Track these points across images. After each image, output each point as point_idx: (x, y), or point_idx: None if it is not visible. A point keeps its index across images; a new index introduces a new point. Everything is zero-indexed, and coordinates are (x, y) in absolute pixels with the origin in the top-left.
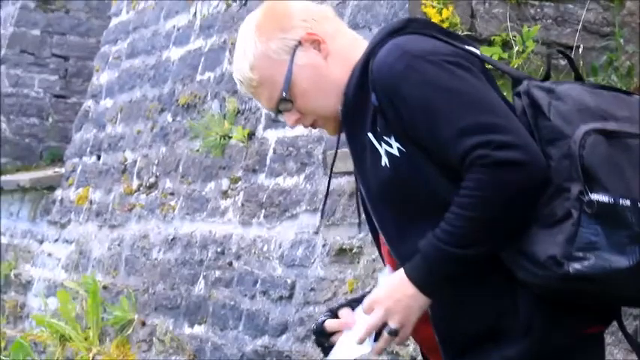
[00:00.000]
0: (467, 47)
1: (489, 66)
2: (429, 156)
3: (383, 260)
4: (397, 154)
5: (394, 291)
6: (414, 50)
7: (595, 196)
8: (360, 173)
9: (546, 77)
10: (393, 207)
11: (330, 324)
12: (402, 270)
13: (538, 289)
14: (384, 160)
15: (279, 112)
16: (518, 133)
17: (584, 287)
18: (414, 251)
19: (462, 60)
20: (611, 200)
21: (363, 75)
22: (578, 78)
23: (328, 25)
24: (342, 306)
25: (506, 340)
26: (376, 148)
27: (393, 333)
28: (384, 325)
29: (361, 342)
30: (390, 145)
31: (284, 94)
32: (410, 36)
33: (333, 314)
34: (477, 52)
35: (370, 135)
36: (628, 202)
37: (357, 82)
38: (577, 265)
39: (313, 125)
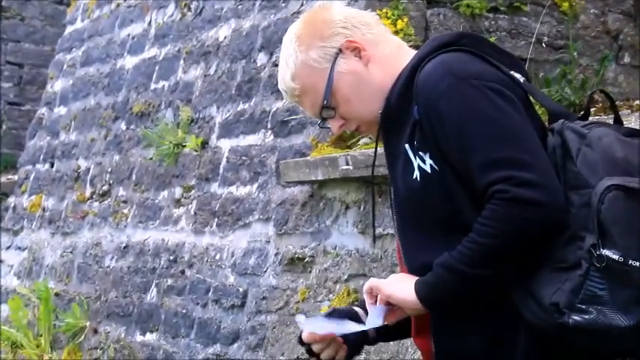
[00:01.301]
0: (512, 73)
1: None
2: (459, 176)
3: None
4: (429, 170)
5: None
6: (460, 72)
7: (606, 252)
8: (390, 177)
9: (585, 116)
10: (415, 218)
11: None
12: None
13: (538, 329)
14: (416, 174)
15: (323, 119)
16: (543, 173)
17: (580, 338)
18: (424, 263)
19: (504, 88)
20: (621, 258)
21: (408, 85)
22: (617, 119)
23: (370, 31)
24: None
25: None
26: (410, 160)
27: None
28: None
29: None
30: (424, 161)
31: (325, 101)
32: (459, 54)
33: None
34: (521, 80)
35: (407, 146)
36: (637, 264)
37: (400, 91)
38: (577, 317)
39: (357, 130)
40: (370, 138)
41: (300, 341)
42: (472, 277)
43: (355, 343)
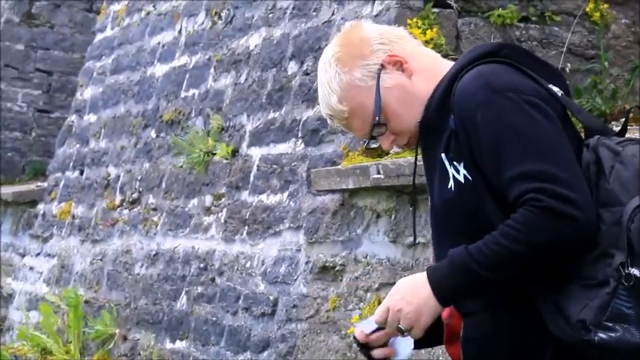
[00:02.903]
0: (550, 86)
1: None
2: (491, 188)
3: None
4: (462, 181)
5: (409, 292)
6: (497, 84)
7: (634, 271)
8: (428, 187)
9: (622, 131)
10: (448, 226)
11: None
12: (426, 271)
13: (565, 344)
14: (451, 183)
15: (373, 138)
16: (577, 189)
17: (606, 356)
18: None
19: (541, 102)
20: None
21: (446, 95)
22: None
23: (406, 44)
24: None
25: None
26: (446, 169)
27: (401, 332)
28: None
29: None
30: (458, 171)
31: (377, 118)
32: (498, 66)
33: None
34: (559, 94)
35: (443, 155)
36: None
37: (439, 101)
38: (603, 335)
39: (408, 144)
40: (402, 147)
41: (355, 340)
42: (484, 279)
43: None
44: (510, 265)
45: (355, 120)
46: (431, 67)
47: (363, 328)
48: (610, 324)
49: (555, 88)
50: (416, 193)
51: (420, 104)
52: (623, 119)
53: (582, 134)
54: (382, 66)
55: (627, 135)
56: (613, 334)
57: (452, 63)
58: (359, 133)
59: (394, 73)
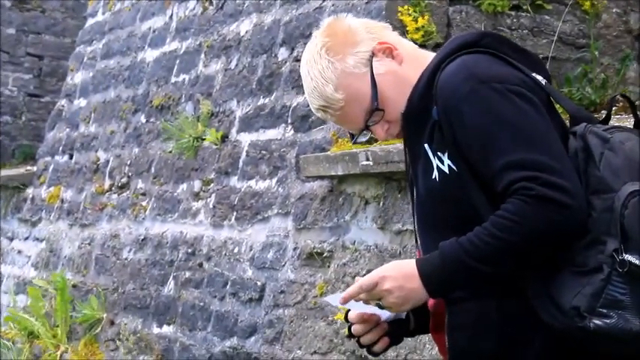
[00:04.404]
0: (533, 75)
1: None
2: (477, 177)
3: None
4: (447, 171)
5: (402, 277)
6: (481, 75)
7: (629, 257)
8: (412, 177)
9: (606, 119)
10: (434, 218)
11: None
12: (414, 262)
13: (558, 332)
14: (435, 174)
15: (366, 127)
16: (567, 177)
17: (600, 342)
18: None
19: (526, 91)
20: None
21: (429, 86)
22: (638, 123)
23: (390, 34)
24: None
25: None
26: (430, 160)
27: (380, 307)
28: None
29: (345, 301)
30: (442, 162)
31: (375, 103)
32: (481, 56)
33: None
34: (543, 82)
35: (426, 146)
36: None
37: (422, 91)
38: (598, 322)
39: (400, 134)
40: (396, 137)
41: (346, 318)
42: (477, 272)
43: (397, 333)
44: (504, 257)
45: (351, 109)
46: (416, 56)
47: (331, 301)
48: (604, 310)
49: (539, 77)
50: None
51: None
52: (607, 110)
53: (567, 122)
54: (373, 53)
55: (612, 123)
56: (608, 321)
57: (433, 54)
58: (353, 123)
59: (385, 60)
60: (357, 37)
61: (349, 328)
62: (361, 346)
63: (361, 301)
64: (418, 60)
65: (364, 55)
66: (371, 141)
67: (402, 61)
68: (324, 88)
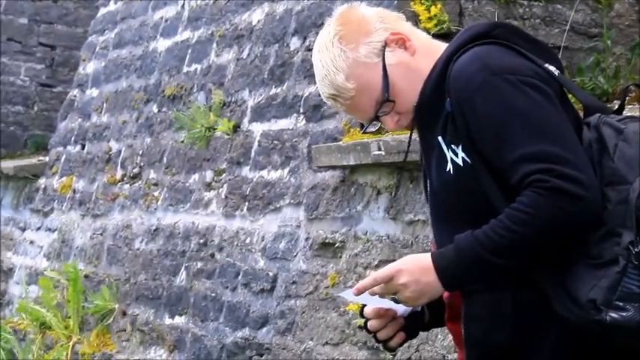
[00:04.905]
0: (547, 66)
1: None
2: (491, 169)
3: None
4: (461, 163)
5: (418, 271)
6: (494, 66)
7: None
8: (425, 169)
9: (620, 109)
10: (448, 210)
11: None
12: (430, 255)
13: (573, 324)
14: (449, 166)
15: (376, 118)
16: (582, 169)
17: (617, 335)
18: None
19: (540, 82)
20: None
21: (442, 77)
22: None
23: (404, 24)
24: None
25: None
26: (444, 153)
27: (395, 301)
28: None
29: (358, 292)
30: (456, 154)
31: (386, 94)
32: (493, 47)
33: None
34: (556, 73)
35: (440, 139)
36: None
37: (435, 82)
38: (615, 315)
39: (409, 126)
40: (405, 128)
41: (361, 314)
42: (493, 265)
43: (412, 327)
44: (520, 250)
45: (361, 98)
46: (429, 47)
47: (346, 296)
48: (621, 303)
49: (551, 67)
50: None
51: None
52: (621, 100)
53: (580, 113)
54: (386, 43)
55: (625, 113)
56: (624, 314)
57: (445, 45)
58: (363, 113)
59: (397, 50)
60: (371, 27)
61: (365, 324)
62: (378, 341)
63: (376, 296)
64: (431, 51)
65: (377, 45)
66: (381, 130)
67: (414, 53)
68: (335, 77)
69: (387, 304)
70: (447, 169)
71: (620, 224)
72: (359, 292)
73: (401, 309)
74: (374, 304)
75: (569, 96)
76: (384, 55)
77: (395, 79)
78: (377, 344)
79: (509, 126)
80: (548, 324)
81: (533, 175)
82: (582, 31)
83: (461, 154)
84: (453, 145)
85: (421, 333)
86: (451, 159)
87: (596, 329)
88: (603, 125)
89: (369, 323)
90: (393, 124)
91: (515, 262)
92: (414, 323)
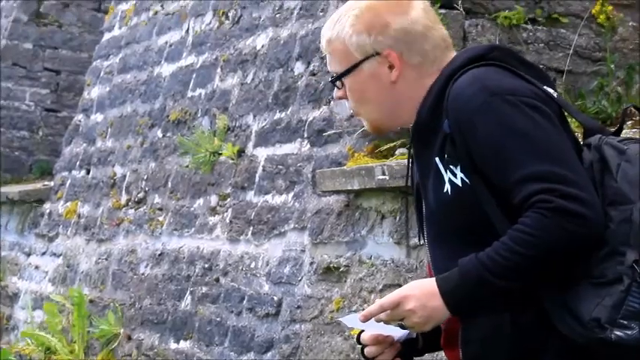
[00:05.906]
0: (545, 88)
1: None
2: (492, 189)
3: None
4: (460, 184)
5: (424, 296)
6: (494, 87)
7: None
8: (422, 191)
9: (618, 131)
10: (446, 231)
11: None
12: (434, 280)
13: (576, 343)
14: (447, 187)
15: (332, 82)
16: (585, 189)
17: (621, 354)
18: None
19: (539, 103)
20: None
21: (439, 98)
22: None
23: (420, 48)
24: None
25: None
26: (441, 174)
27: (402, 327)
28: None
29: (365, 319)
30: (455, 175)
31: (337, 82)
32: (491, 69)
33: None
34: (554, 94)
35: (437, 160)
36: None
37: (432, 104)
38: (619, 333)
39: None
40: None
41: (358, 340)
42: (498, 287)
43: (408, 353)
44: (525, 271)
45: (330, 60)
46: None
47: (347, 322)
48: (625, 322)
49: (550, 90)
50: (410, 194)
51: (384, 105)
52: (620, 121)
53: (578, 135)
54: (378, 54)
55: (623, 134)
56: (629, 332)
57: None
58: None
59: (382, 68)
60: (380, 35)
61: (362, 350)
62: None
63: (381, 322)
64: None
65: (369, 49)
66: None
67: (395, 82)
68: (328, 30)
69: (387, 330)
70: (445, 190)
71: (623, 243)
72: (365, 319)
73: (397, 334)
74: (375, 329)
75: (569, 119)
76: (367, 59)
77: (355, 80)
78: None
79: (511, 146)
80: (547, 345)
81: (537, 195)
82: (586, 55)
83: (460, 174)
84: (451, 166)
85: (426, 357)
86: (449, 180)
87: (600, 348)
88: (605, 145)
89: (366, 350)
90: (338, 95)
91: (520, 284)
92: (409, 348)
